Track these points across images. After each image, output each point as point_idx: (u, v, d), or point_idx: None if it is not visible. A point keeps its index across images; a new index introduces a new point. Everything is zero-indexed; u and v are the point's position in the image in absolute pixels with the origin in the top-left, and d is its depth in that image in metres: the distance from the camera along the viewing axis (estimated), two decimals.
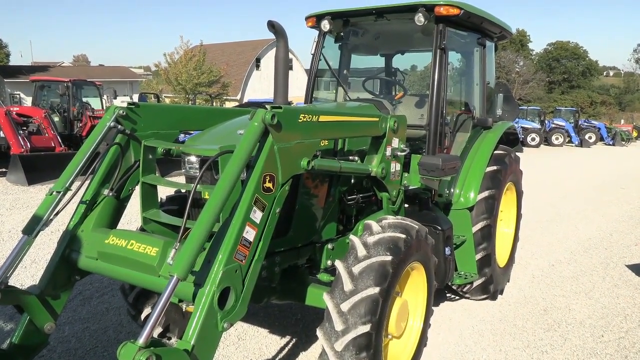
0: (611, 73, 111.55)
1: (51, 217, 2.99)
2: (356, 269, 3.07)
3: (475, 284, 5.04)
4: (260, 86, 44.97)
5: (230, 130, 3.37)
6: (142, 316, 3.83)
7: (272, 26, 3.25)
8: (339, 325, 2.94)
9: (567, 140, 31.50)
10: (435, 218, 4.44)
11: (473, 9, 4.61)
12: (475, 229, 4.89)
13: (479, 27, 5.02)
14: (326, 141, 3.53)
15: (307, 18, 5.22)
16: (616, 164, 22.27)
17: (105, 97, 19.04)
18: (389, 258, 3.11)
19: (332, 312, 2.98)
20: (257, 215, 2.65)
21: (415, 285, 3.73)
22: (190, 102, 33.64)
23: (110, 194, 3.26)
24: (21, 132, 13.16)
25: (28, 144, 12.99)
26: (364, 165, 3.73)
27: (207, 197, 2.94)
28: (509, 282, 5.87)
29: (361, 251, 3.15)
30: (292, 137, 2.85)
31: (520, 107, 30.98)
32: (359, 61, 5.93)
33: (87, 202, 3.20)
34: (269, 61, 45.03)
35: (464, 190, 4.93)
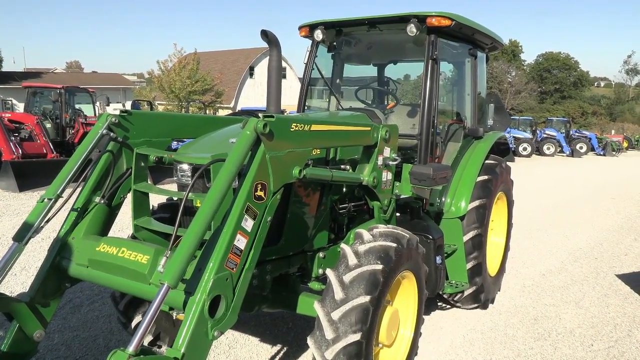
0: (602, 84, 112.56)
1: (42, 224, 2.99)
2: (347, 278, 3.08)
3: (466, 292, 5.06)
4: (254, 94, 45.08)
5: (222, 139, 3.38)
6: (133, 324, 3.82)
7: (266, 35, 3.28)
8: (329, 334, 2.95)
9: (558, 150, 31.76)
10: (427, 227, 4.47)
11: (464, 20, 4.66)
12: (466, 238, 4.91)
13: (471, 38, 5.08)
14: (318, 150, 3.56)
15: (300, 28, 5.25)
16: (607, 174, 22.44)
17: (98, 104, 19.05)
18: (380, 267, 3.13)
19: (322, 321, 2.99)
20: (248, 224, 2.66)
21: (406, 294, 3.75)
22: (183, 109, 33.60)
23: (102, 201, 3.26)
24: (13, 138, 13.15)
25: (20, 150, 12.98)
26: (356, 174, 3.75)
27: (198, 205, 2.94)
28: (499, 291, 5.90)
29: (352, 260, 3.16)
30: (283, 146, 2.87)
31: (512, 117, 31.26)
32: (351, 70, 5.97)
33: (79, 209, 3.19)
34: (262, 69, 45.16)
35: (455, 200, 4.96)
